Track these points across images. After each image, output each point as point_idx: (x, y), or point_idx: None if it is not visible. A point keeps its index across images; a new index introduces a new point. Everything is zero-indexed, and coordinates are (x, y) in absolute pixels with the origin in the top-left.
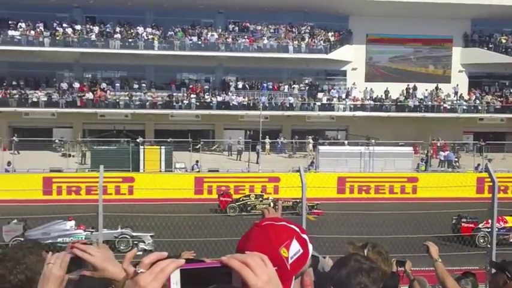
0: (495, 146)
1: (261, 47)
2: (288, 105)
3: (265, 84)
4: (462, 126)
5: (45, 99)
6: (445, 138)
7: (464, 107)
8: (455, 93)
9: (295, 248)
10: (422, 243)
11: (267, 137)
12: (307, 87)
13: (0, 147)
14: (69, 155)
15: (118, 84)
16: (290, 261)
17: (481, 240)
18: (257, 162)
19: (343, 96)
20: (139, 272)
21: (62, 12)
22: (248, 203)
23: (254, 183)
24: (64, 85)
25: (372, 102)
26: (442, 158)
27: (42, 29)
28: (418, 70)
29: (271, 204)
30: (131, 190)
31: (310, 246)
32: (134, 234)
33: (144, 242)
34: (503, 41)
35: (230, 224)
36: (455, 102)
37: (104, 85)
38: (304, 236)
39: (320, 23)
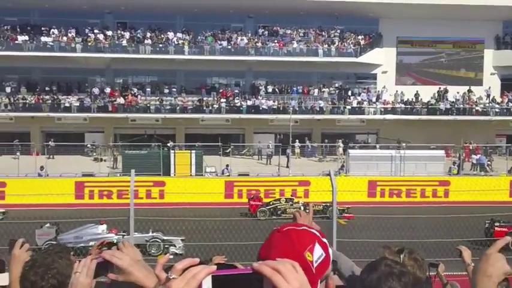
0: None
1: (291, 51)
2: (318, 109)
3: (295, 88)
4: (495, 129)
5: (77, 104)
6: (478, 141)
7: (497, 110)
8: (488, 96)
9: (318, 251)
10: (455, 248)
11: (297, 140)
12: (337, 91)
13: (33, 151)
14: (101, 160)
15: (149, 89)
16: (315, 265)
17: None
18: (287, 166)
19: (374, 99)
20: (171, 277)
21: (93, 18)
22: (278, 207)
23: (284, 187)
24: (96, 90)
25: (402, 106)
26: (474, 162)
27: (74, 35)
28: (449, 73)
29: (302, 208)
30: (162, 194)
31: (330, 250)
32: (165, 238)
33: (175, 246)
34: None
35: (260, 228)
36: (487, 105)
37: (134, 90)
38: (324, 240)
39: (350, 26)
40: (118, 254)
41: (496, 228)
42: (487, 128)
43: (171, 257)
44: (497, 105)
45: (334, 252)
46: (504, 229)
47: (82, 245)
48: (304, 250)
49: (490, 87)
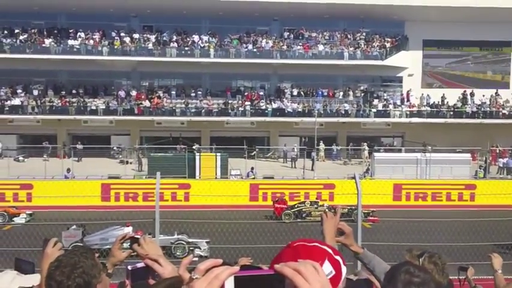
0: None
1: (316, 54)
2: (343, 112)
3: (320, 91)
4: None
5: (104, 107)
6: (504, 144)
7: None
8: None
9: (327, 269)
10: (488, 255)
11: (321, 142)
12: (362, 94)
13: (60, 154)
14: (127, 162)
15: (174, 92)
16: None
17: None
18: (312, 169)
19: (399, 102)
20: (194, 277)
21: (119, 22)
22: (303, 209)
23: (309, 190)
24: (122, 93)
25: (428, 109)
26: (501, 165)
27: (101, 38)
28: (475, 76)
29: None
30: (187, 197)
31: (344, 268)
32: (190, 240)
33: (199, 248)
34: None
35: (285, 230)
36: None
37: (160, 93)
38: (338, 257)
39: (376, 29)
40: (161, 261)
41: None
42: None
43: (196, 259)
44: None
45: (368, 255)
46: None
47: (108, 246)
48: None
49: None
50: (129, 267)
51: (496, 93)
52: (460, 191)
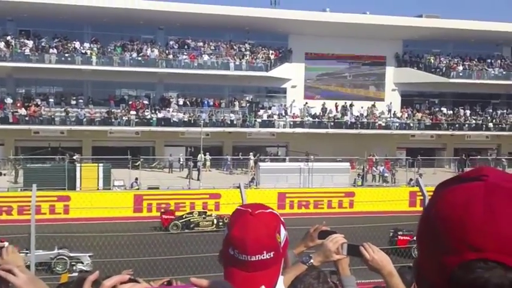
0: (426, 161)
1: (202, 64)
2: (229, 122)
3: (206, 101)
4: (396, 142)
5: None
6: (380, 153)
7: (397, 124)
8: (389, 110)
9: (283, 232)
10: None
11: (207, 153)
12: (248, 104)
13: None
14: (0, 174)
15: (53, 100)
16: (281, 245)
17: (416, 252)
18: (198, 179)
19: (283, 113)
20: None
21: None
22: (191, 220)
23: (195, 200)
24: None
25: (310, 119)
26: (377, 173)
27: None
28: (354, 89)
29: (215, 221)
30: (67, 209)
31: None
32: (72, 254)
33: (82, 263)
34: (432, 61)
35: (170, 242)
36: (388, 119)
37: (38, 101)
38: (282, 219)
39: (260, 41)
40: (15, 271)
41: (399, 237)
42: (388, 141)
43: (75, 274)
44: (397, 120)
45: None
46: (407, 237)
47: None
48: (275, 232)
49: (391, 103)
50: None
51: (372, 105)
52: (340, 199)
